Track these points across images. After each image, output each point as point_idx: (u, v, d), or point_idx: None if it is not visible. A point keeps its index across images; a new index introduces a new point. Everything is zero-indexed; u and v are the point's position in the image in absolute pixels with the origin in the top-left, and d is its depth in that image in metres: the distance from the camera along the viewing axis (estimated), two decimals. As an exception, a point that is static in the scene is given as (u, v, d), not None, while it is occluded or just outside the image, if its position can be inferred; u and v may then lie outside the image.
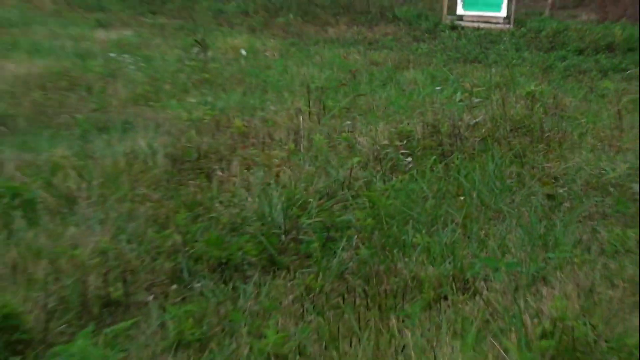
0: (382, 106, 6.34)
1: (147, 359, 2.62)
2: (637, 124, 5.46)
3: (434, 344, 2.64)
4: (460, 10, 11.97)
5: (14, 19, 10.44)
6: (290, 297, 3.12)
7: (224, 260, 3.35)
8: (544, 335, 2.56)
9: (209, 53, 8.36)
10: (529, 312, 2.75)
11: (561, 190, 4.14)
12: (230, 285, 3.20)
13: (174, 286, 3.19)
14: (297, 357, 2.60)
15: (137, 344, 2.70)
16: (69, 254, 3.20)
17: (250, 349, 2.64)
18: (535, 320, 2.67)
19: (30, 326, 2.74)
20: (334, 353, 2.64)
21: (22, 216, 3.66)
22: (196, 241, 3.46)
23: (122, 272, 3.14)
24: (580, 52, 10.17)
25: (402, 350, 2.66)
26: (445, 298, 3.05)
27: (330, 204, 4.00)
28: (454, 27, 11.62)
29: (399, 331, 2.79)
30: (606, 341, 2.58)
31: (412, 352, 2.61)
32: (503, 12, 11.77)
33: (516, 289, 2.98)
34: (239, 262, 3.36)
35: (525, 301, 2.85)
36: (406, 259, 3.39)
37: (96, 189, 4.06)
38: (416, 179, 4.32)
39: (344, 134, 5.17)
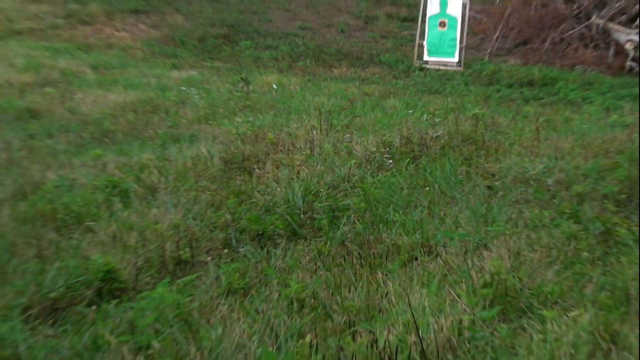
0: (371, 124, 6.28)
1: (206, 302, 2.61)
2: (553, 136, 5.39)
3: (408, 291, 2.62)
4: (426, 57, 11.84)
5: (114, 63, 10.41)
6: (307, 258, 3.10)
7: (260, 232, 3.34)
8: (485, 285, 2.53)
9: (250, 87, 8.32)
10: (475, 268, 2.72)
11: (497, 183, 4.09)
12: (265, 249, 3.19)
13: (225, 250, 3.18)
14: (312, 300, 2.59)
15: (200, 291, 2.70)
16: (152, 228, 3.20)
17: (279, 294, 2.63)
18: (479, 274, 2.64)
19: (124, 278, 2.74)
20: (338, 297, 2.62)
21: (119, 201, 3.66)
22: (241, 219, 3.44)
23: (189, 240, 3.14)
24: (510, 86, 10.00)
25: (385, 296, 2.64)
26: (416, 259, 3.03)
27: (335, 192, 3.98)
28: (421, 69, 11.48)
29: (384, 282, 2.77)
30: (529, 289, 2.56)
31: (393, 297, 2.59)
32: (456, 58, 11.66)
33: (466, 252, 2.95)
34: (271, 233, 3.34)
35: (472, 261, 2.82)
36: (388, 231, 3.36)
37: (171, 182, 4.05)
38: (395, 175, 4.29)
39: (344, 143, 5.13)
